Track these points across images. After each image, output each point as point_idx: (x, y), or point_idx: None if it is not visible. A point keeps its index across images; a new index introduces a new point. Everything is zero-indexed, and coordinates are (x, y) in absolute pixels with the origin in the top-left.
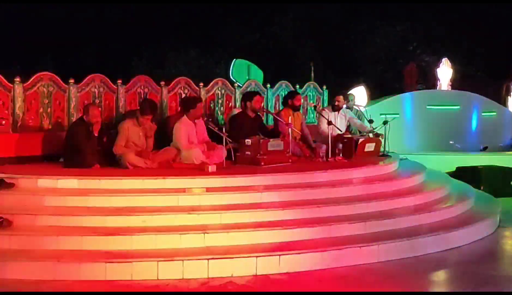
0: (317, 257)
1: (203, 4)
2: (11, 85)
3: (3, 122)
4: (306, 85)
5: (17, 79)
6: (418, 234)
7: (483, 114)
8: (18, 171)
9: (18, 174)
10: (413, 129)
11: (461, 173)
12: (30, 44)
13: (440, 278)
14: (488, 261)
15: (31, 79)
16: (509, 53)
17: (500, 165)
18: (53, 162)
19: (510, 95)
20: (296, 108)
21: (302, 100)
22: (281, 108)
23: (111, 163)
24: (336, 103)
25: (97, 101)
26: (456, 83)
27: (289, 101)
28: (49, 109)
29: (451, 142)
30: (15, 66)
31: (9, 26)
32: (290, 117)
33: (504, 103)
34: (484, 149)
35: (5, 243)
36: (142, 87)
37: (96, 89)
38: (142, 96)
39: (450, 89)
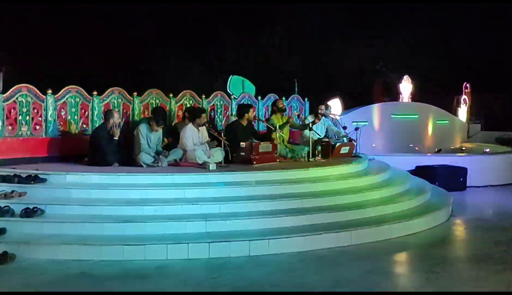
0: (300, 240)
1: (204, 29)
2: (44, 96)
3: None
4: (290, 97)
5: (49, 91)
6: (384, 222)
7: (437, 122)
8: (49, 168)
9: (50, 170)
10: (379, 135)
11: (419, 171)
12: (59, 59)
13: (402, 258)
14: (442, 244)
15: (61, 92)
16: (458, 72)
17: (451, 164)
18: (79, 161)
19: (459, 107)
20: (282, 110)
21: (285, 105)
22: (271, 116)
23: (129, 162)
24: (319, 111)
25: (116, 110)
26: (416, 97)
27: (274, 107)
28: (76, 117)
29: (411, 145)
30: (47, 80)
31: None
32: (278, 124)
33: (454, 113)
34: (439, 151)
35: (39, 229)
36: (154, 98)
37: (115, 100)
38: (153, 105)
39: (410, 102)
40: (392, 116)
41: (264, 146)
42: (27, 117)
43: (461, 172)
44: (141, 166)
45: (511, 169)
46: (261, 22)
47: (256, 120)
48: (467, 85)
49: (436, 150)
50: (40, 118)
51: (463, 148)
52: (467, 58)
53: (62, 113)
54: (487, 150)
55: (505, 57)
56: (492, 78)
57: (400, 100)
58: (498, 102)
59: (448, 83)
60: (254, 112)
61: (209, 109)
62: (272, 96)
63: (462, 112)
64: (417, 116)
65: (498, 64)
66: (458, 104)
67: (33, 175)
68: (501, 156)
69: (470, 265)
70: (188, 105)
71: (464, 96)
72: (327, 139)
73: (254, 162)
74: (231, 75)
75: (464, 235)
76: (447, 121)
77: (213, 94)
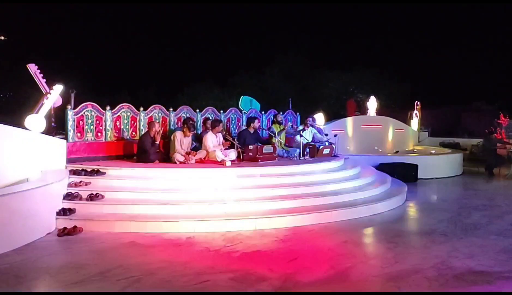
0: (294, 218)
1: (223, 63)
2: (104, 111)
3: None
4: (286, 112)
5: (108, 107)
6: (356, 205)
7: (395, 130)
8: (108, 164)
9: (108, 166)
10: (352, 140)
11: (382, 167)
12: (113, 81)
13: (369, 232)
14: (399, 222)
15: (117, 108)
16: (411, 93)
17: (406, 162)
18: (129, 159)
19: (412, 119)
20: (279, 122)
21: (282, 118)
22: (271, 125)
23: (166, 160)
24: (307, 122)
25: (156, 121)
26: (379, 111)
27: (274, 119)
28: (127, 126)
29: (376, 147)
30: (105, 97)
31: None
32: (277, 131)
33: (408, 124)
34: (396, 152)
35: (100, 209)
36: (185, 112)
37: (156, 114)
38: (185, 117)
39: (375, 115)
40: (361, 126)
41: (267, 148)
42: (92, 126)
43: (413, 168)
44: (175, 163)
45: (451, 165)
46: (264, 59)
47: (261, 129)
48: (418, 103)
49: (394, 151)
50: (101, 128)
51: (415, 150)
52: (417, 82)
53: (117, 124)
54: (433, 151)
55: (445, 83)
56: (436, 98)
57: (367, 114)
58: (441, 116)
59: (403, 101)
60: (259, 123)
61: (225, 121)
62: (272, 111)
63: (414, 123)
64: (380, 126)
65: (441, 89)
66: (411, 117)
67: (95, 169)
68: (443, 155)
69: (420, 236)
70: (210, 118)
71: (415, 111)
72: (313, 143)
73: (259, 160)
74: (242, 96)
75: (415, 214)
76: (403, 130)
77: (229, 110)
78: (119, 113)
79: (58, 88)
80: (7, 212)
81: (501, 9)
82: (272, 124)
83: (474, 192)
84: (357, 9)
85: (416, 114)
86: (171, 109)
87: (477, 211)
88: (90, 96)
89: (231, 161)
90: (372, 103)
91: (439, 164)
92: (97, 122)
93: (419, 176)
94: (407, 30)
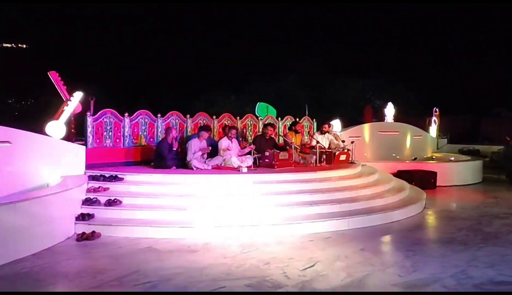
0: (310, 225)
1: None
2: (122, 118)
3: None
4: (303, 118)
5: (126, 114)
6: (373, 212)
7: (414, 137)
8: (126, 170)
9: (126, 172)
10: (369, 146)
11: (400, 174)
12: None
13: (386, 240)
14: (417, 230)
15: (135, 114)
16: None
17: (424, 169)
18: (147, 165)
19: (431, 126)
20: (297, 132)
21: (301, 129)
22: (287, 131)
23: (183, 166)
24: (324, 129)
25: (174, 127)
26: (397, 118)
27: (293, 127)
28: (145, 133)
29: (393, 154)
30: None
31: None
32: (293, 138)
33: (427, 130)
34: (415, 159)
35: (118, 214)
36: (202, 119)
37: (173, 120)
38: (201, 124)
39: (393, 121)
40: (379, 132)
41: (283, 155)
42: (110, 133)
43: (432, 175)
44: (192, 169)
45: (471, 172)
46: (280, 65)
47: (277, 136)
48: (436, 109)
49: (412, 158)
50: (119, 134)
51: (434, 157)
52: (436, 89)
53: (135, 130)
54: (452, 158)
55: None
56: (456, 105)
57: (385, 121)
58: (460, 122)
59: (421, 108)
60: (275, 130)
61: (242, 127)
62: (289, 118)
63: (433, 129)
64: (398, 132)
65: (460, 95)
66: (429, 123)
67: (114, 175)
68: (462, 163)
69: (438, 245)
70: (227, 124)
71: (434, 118)
72: (330, 150)
73: (275, 166)
74: (258, 102)
75: (434, 222)
76: (421, 136)
77: (245, 116)
78: (137, 120)
79: (78, 95)
80: (27, 216)
81: None
82: (289, 131)
83: (494, 199)
84: (375, 16)
85: (434, 120)
86: (188, 116)
87: (498, 219)
88: (109, 103)
89: (247, 167)
90: (390, 110)
91: (459, 171)
92: (116, 128)
93: (438, 183)
94: (426, 36)
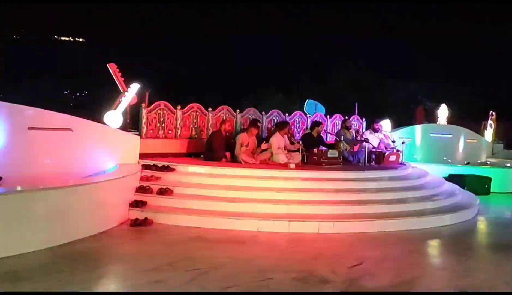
0: (358, 224)
1: (288, 67)
2: (175, 110)
3: None
4: (352, 117)
5: (179, 107)
6: (423, 215)
7: (467, 141)
8: (177, 161)
9: (177, 162)
10: (421, 148)
11: (452, 178)
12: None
13: (437, 243)
14: (470, 235)
15: (187, 107)
16: (486, 103)
17: (478, 174)
18: (197, 157)
19: (486, 129)
20: (348, 128)
21: (351, 124)
22: (339, 129)
23: (232, 159)
24: (375, 127)
25: (228, 120)
26: (450, 120)
27: (343, 125)
28: (196, 125)
29: (445, 158)
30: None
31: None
32: (342, 137)
33: (482, 134)
34: (467, 163)
35: (170, 203)
36: (251, 114)
37: (224, 115)
38: (250, 119)
39: (446, 124)
40: (431, 134)
41: (331, 153)
42: (163, 124)
43: (486, 180)
44: (241, 162)
45: None
46: (329, 65)
47: (325, 133)
48: (493, 113)
49: (465, 163)
50: (172, 126)
51: (488, 162)
52: (493, 92)
53: (187, 123)
54: (508, 164)
55: None
56: None
57: (437, 123)
58: None
59: (476, 111)
60: (324, 127)
61: (290, 124)
62: (338, 116)
63: (488, 134)
64: (451, 135)
65: None
66: (485, 127)
67: (166, 165)
68: None
69: (493, 251)
70: (276, 120)
71: (490, 122)
72: (379, 150)
73: (324, 164)
74: (307, 100)
75: (488, 229)
76: (475, 140)
77: (293, 113)
78: (188, 113)
79: (135, 87)
80: (85, 200)
81: None
82: (341, 129)
83: None
84: (426, 17)
85: (490, 124)
86: (237, 110)
87: None
88: (163, 96)
89: (295, 163)
90: (443, 112)
91: None
92: (168, 120)
93: (492, 189)
94: (481, 34)
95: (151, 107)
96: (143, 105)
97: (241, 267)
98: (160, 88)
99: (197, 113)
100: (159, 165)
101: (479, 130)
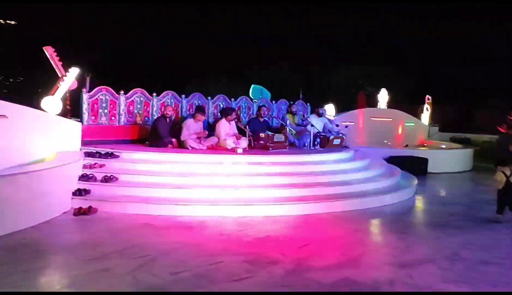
0: (304, 206)
1: (232, 52)
2: (118, 96)
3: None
4: (297, 102)
5: (122, 92)
6: (366, 195)
7: (405, 124)
8: (122, 148)
9: (122, 149)
10: (362, 132)
11: (392, 160)
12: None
13: (379, 222)
14: (409, 213)
15: (130, 93)
16: (425, 88)
17: (415, 156)
18: (141, 143)
19: (422, 113)
20: (293, 113)
21: (296, 108)
22: (285, 114)
23: (178, 145)
24: (319, 112)
25: (170, 106)
26: (390, 105)
27: (288, 109)
28: (140, 111)
29: (385, 141)
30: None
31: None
32: (288, 121)
33: (419, 118)
34: (406, 146)
35: (114, 191)
36: (197, 99)
37: (169, 100)
38: (196, 104)
39: (386, 108)
40: (371, 118)
41: (278, 137)
42: (106, 110)
43: (423, 161)
44: (187, 148)
45: (461, 160)
46: (273, 50)
47: (271, 118)
48: (429, 97)
49: (404, 145)
50: (115, 112)
51: (425, 144)
52: (429, 77)
53: (131, 108)
54: (443, 146)
55: (456, 79)
56: (448, 94)
57: (378, 107)
58: (452, 111)
59: (413, 95)
60: (268, 112)
61: (236, 109)
62: (283, 101)
63: (425, 117)
64: (390, 119)
65: (452, 84)
66: (421, 111)
67: (110, 152)
68: (453, 150)
69: (431, 228)
70: (222, 106)
71: (426, 106)
72: (324, 134)
73: (270, 148)
74: (252, 84)
75: (426, 207)
76: (413, 124)
77: (239, 98)
78: (132, 98)
79: (74, 71)
80: (25, 190)
81: None
82: (286, 114)
83: (485, 187)
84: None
85: (427, 108)
86: (183, 95)
87: (488, 205)
88: (104, 81)
89: (242, 148)
90: (383, 96)
91: (450, 158)
92: (111, 106)
93: (429, 170)
94: (418, 22)
95: (93, 92)
96: (84, 90)
97: (190, 252)
98: (102, 72)
99: (141, 98)
100: (103, 152)
101: (417, 114)
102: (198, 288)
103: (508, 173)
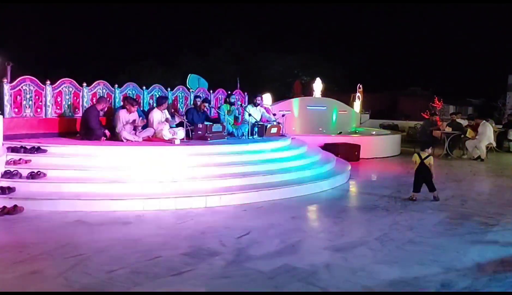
0: (244, 196)
1: (166, 39)
2: (44, 86)
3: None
4: (234, 91)
5: (48, 82)
6: (303, 182)
7: (339, 112)
8: (49, 142)
9: (50, 143)
10: (298, 120)
11: (327, 147)
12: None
13: (315, 208)
14: (344, 198)
15: (57, 83)
16: (356, 77)
17: (349, 142)
18: (72, 137)
19: (354, 101)
20: (231, 104)
21: (234, 99)
22: (221, 105)
23: (112, 138)
24: (256, 101)
25: (104, 97)
26: (324, 93)
27: (226, 99)
28: (69, 102)
29: (320, 128)
30: (42, 72)
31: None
32: (226, 111)
33: (351, 106)
34: (340, 133)
35: (42, 188)
36: (131, 89)
37: (101, 90)
38: (129, 94)
39: (320, 97)
40: (307, 107)
41: (216, 127)
42: (30, 102)
43: (356, 148)
44: (122, 140)
45: (390, 146)
46: (209, 39)
47: (208, 108)
48: (360, 86)
49: (338, 132)
50: (40, 103)
51: (357, 131)
52: (361, 67)
53: (58, 100)
54: (374, 133)
55: (384, 68)
56: (377, 82)
57: (313, 96)
58: (381, 99)
59: (348, 85)
60: (201, 103)
61: (173, 99)
62: (220, 91)
63: (357, 105)
64: (325, 107)
65: (380, 73)
66: (353, 99)
67: (36, 147)
68: (383, 137)
69: (364, 212)
70: (157, 95)
71: (358, 94)
72: (261, 123)
73: (208, 139)
74: (189, 74)
75: (359, 191)
76: (346, 112)
77: (176, 88)
78: (60, 89)
79: None
80: None
81: None
82: (224, 104)
83: (411, 170)
84: None
85: (358, 96)
86: (116, 85)
87: None
88: (28, 71)
89: (180, 139)
90: (318, 85)
91: (380, 144)
92: (37, 97)
93: (361, 156)
94: (347, 15)
95: (15, 83)
96: (5, 81)
97: (127, 248)
98: (25, 61)
99: (70, 89)
100: (28, 147)
101: (349, 102)
102: (135, 285)
103: (424, 155)
